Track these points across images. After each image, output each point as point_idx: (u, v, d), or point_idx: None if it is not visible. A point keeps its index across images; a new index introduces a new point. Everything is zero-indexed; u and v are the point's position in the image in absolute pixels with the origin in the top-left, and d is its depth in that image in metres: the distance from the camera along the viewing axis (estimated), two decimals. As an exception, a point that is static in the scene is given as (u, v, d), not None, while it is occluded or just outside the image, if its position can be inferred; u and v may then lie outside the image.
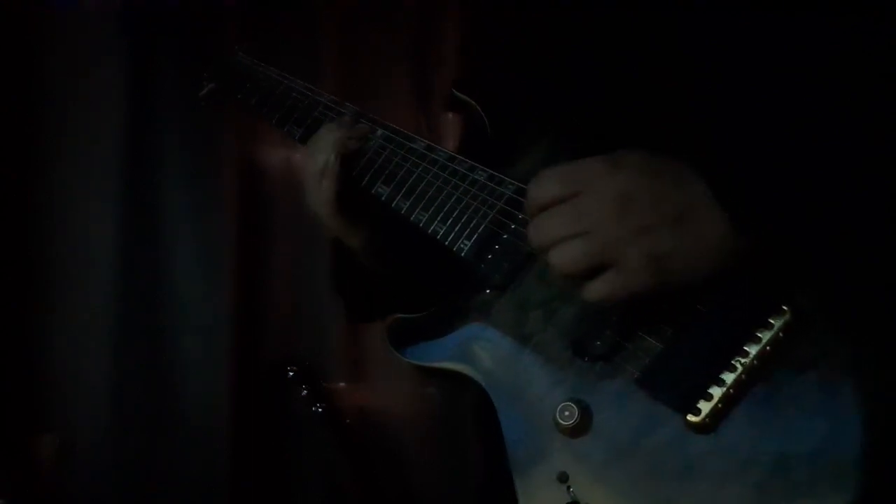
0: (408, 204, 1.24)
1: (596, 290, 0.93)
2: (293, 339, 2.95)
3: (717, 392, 0.91)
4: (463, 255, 1.16)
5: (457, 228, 1.17)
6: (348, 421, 2.70)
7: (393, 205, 1.26)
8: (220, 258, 2.92)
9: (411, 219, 1.23)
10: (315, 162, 1.29)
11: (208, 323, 2.89)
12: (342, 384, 2.87)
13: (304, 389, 2.65)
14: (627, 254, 0.91)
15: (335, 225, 1.32)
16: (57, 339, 2.79)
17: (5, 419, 2.64)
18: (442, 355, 1.16)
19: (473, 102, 1.24)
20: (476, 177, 1.17)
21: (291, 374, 2.66)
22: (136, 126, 2.88)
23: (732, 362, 0.91)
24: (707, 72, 1.03)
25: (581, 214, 0.92)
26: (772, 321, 0.91)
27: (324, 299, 2.95)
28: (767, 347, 0.90)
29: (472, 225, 1.15)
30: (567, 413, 0.98)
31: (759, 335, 0.91)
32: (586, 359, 1.01)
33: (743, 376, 0.91)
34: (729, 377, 0.91)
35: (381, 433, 2.87)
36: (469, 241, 1.15)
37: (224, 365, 2.86)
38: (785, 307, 0.90)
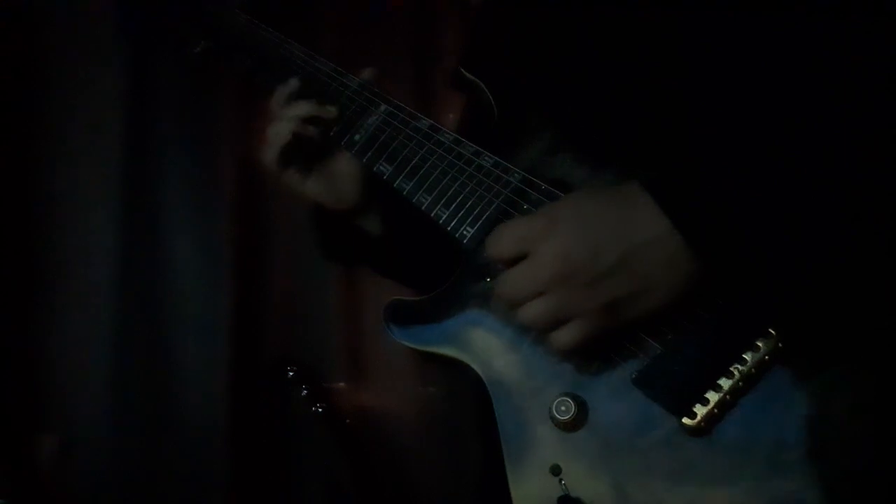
0: (410, 185, 1.20)
1: (561, 339, 0.97)
2: (293, 339, 2.95)
3: (713, 397, 0.92)
4: (465, 241, 1.13)
5: (460, 214, 1.14)
6: (348, 421, 2.70)
7: (395, 185, 1.23)
8: (220, 258, 2.92)
9: (413, 200, 1.20)
10: (271, 128, 1.34)
11: (208, 323, 2.89)
12: (342, 384, 2.87)
13: (304, 389, 2.64)
14: (583, 306, 0.95)
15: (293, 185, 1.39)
16: (57, 339, 2.79)
17: (5, 419, 2.64)
18: (437, 339, 1.14)
19: (481, 83, 1.20)
20: (482, 162, 1.14)
21: (291, 374, 2.65)
22: (136, 125, 2.88)
23: (731, 369, 0.92)
24: (700, 71, 1.03)
25: (534, 277, 0.97)
26: (771, 331, 0.92)
27: (324, 299, 2.95)
28: (766, 357, 0.91)
29: (476, 212, 1.13)
30: (563, 408, 0.98)
31: (759, 344, 0.92)
32: (585, 355, 1.01)
33: (740, 383, 0.92)
34: (726, 383, 0.92)
35: (381, 433, 2.86)
36: (472, 227, 1.13)
37: (224, 365, 2.86)
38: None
